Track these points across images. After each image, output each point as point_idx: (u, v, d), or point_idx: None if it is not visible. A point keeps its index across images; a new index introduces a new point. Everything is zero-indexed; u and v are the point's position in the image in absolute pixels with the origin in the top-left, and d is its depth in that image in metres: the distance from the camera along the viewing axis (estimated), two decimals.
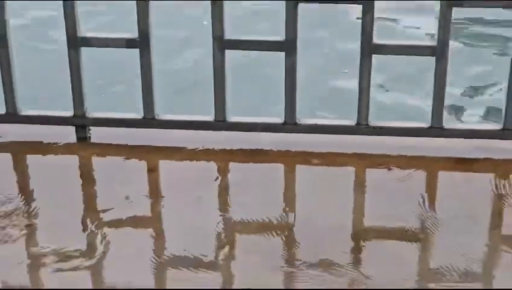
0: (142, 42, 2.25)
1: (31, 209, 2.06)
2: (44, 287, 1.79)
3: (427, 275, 1.73)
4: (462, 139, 2.27)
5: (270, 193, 2.13)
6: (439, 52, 2.14)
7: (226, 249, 1.86)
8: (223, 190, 2.17)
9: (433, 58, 2.17)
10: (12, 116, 2.38)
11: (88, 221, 2.00)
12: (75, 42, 2.26)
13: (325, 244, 1.86)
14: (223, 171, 2.26)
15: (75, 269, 1.81)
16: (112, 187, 2.19)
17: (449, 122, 2.40)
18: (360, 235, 1.90)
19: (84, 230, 1.96)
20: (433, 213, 1.97)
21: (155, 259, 1.83)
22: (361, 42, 2.18)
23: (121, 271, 1.81)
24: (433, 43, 2.18)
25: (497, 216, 2.03)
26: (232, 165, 2.29)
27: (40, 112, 2.44)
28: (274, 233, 1.93)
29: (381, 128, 2.26)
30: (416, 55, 2.31)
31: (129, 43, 2.30)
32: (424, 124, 2.27)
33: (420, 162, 2.23)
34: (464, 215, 1.95)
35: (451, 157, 2.26)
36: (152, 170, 2.28)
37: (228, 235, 1.93)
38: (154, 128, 2.36)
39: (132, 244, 1.91)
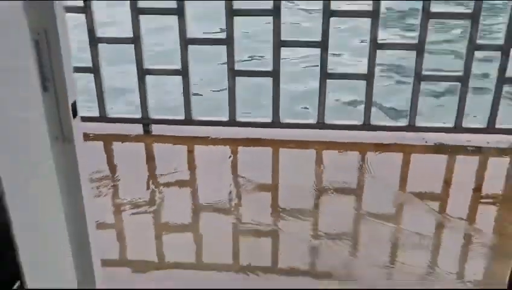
0: (184, 72, 3.36)
1: (114, 176, 3.06)
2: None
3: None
4: None
5: (264, 167, 3.15)
6: None
7: (236, 197, 2.83)
8: (234, 164, 3.22)
9: None
10: (103, 118, 3.42)
11: (150, 183, 3.00)
12: (142, 71, 3.34)
13: (295, 196, 2.85)
14: (234, 152, 3.28)
15: (143, 212, 2.77)
16: (165, 162, 3.17)
17: None
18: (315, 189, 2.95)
19: (147, 189, 2.94)
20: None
21: (194, 206, 2.81)
22: None
23: (172, 214, 2.73)
24: None
25: None
26: (239, 148, 3.33)
27: (120, 115, 3.49)
28: (265, 188, 2.96)
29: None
30: None
31: (175, 72, 3.34)
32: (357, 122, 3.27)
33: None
34: None
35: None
36: (190, 151, 3.33)
37: (237, 189, 2.92)
38: (192, 125, 3.41)
39: (178, 197, 2.89)
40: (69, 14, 1.32)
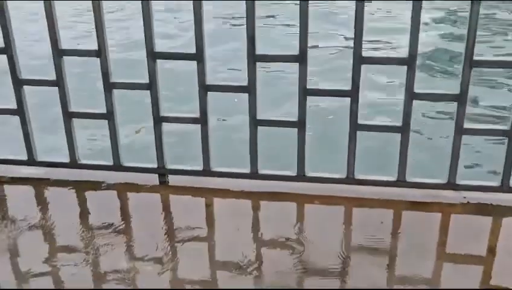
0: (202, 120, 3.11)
1: (127, 229, 2.90)
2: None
3: None
4: None
5: (287, 224, 2.90)
6: None
7: (255, 258, 2.61)
8: (256, 219, 3.01)
9: None
10: (117, 167, 3.24)
11: (165, 239, 2.79)
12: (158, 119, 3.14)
13: (321, 257, 2.62)
14: (255, 207, 3.07)
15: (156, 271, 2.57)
16: (181, 216, 2.99)
17: None
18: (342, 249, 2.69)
19: (158, 247, 2.70)
20: None
21: (208, 270, 2.59)
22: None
23: (187, 273, 2.56)
24: None
25: None
26: (262, 203, 3.10)
27: (135, 164, 3.27)
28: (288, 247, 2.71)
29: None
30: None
31: (193, 121, 3.11)
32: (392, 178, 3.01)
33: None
34: None
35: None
36: (208, 205, 3.09)
37: (257, 248, 2.71)
38: (211, 176, 3.19)
39: (189, 254, 2.67)
40: None
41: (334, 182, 3.10)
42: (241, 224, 2.92)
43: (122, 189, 3.26)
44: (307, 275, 2.52)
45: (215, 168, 3.19)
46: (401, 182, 2.99)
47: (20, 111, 3.23)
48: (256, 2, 2.79)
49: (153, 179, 3.28)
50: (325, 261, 2.59)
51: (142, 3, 2.90)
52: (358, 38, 2.76)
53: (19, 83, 3.16)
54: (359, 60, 2.81)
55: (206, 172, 3.19)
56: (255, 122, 3.03)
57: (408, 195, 3.03)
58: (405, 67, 2.79)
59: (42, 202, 3.21)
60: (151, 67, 3.01)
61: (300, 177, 3.10)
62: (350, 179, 3.04)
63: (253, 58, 2.90)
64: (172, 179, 3.29)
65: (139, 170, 3.29)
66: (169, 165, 3.24)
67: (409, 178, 3.00)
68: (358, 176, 3.04)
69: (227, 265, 2.60)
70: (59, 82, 3.13)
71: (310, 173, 3.10)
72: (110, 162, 3.28)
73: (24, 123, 3.25)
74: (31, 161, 3.35)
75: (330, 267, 2.56)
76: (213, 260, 2.69)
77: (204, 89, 3.00)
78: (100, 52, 3.02)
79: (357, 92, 2.85)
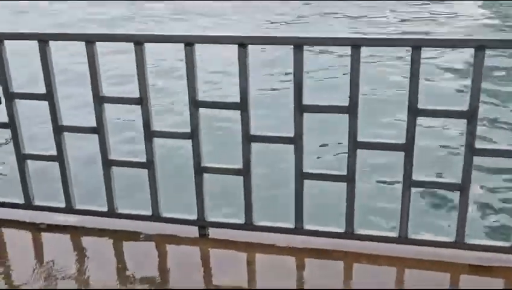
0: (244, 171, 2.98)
1: (164, 285, 2.76)
2: None
3: None
4: None
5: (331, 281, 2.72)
6: None
7: None
8: (300, 279, 2.81)
9: None
10: (157, 217, 3.11)
11: None
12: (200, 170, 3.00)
13: None
14: (300, 265, 2.88)
15: None
16: (221, 272, 2.84)
17: None
18: None
19: None
20: None
21: None
22: None
23: None
24: None
25: None
26: (306, 260, 2.91)
27: (175, 215, 3.13)
28: None
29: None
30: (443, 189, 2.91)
31: (236, 172, 2.97)
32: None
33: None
34: None
35: None
36: (250, 263, 2.92)
37: None
38: (252, 230, 3.02)
39: None
40: None
41: (385, 241, 2.89)
42: (284, 284, 2.72)
43: (161, 241, 3.13)
44: None
45: (258, 222, 3.03)
46: (459, 244, 2.75)
47: (59, 158, 3.15)
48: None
49: (193, 231, 3.13)
50: None
51: (185, 49, 2.80)
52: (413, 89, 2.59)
53: (59, 130, 3.09)
54: (414, 112, 2.63)
55: (248, 226, 3.02)
56: (301, 175, 2.86)
57: (468, 257, 2.79)
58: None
59: (79, 252, 3.10)
60: (194, 116, 2.89)
61: (349, 234, 2.89)
62: (403, 239, 2.82)
63: (300, 108, 2.75)
64: (213, 232, 3.13)
65: (179, 222, 3.15)
66: (210, 218, 3.09)
67: (469, 240, 2.76)
68: (412, 235, 2.81)
69: None
70: (99, 129, 3.04)
71: (359, 231, 2.89)
72: (149, 212, 3.15)
73: (63, 170, 3.17)
74: (69, 209, 3.26)
75: None
76: None
77: (248, 139, 2.86)
78: (142, 100, 2.92)
79: (410, 145, 2.66)
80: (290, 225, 2.98)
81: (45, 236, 3.24)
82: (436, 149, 6.41)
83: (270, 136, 2.91)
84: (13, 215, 3.36)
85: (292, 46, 2.69)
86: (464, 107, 2.58)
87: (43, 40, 2.92)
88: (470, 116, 2.57)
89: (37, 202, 3.32)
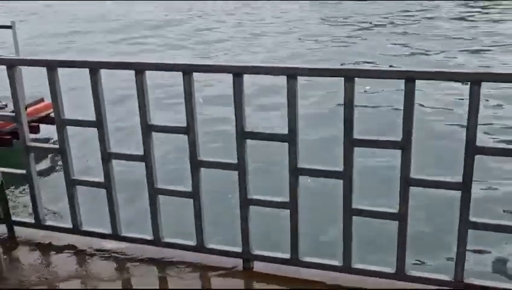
0: (292, 205, 2.88)
1: None
2: None
3: None
4: None
5: None
6: None
7: None
8: None
9: None
10: (201, 248, 3.06)
11: None
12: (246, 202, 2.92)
13: None
14: None
15: None
16: None
17: None
18: None
19: None
20: None
21: None
22: None
23: None
24: None
25: None
26: None
27: (220, 247, 3.05)
28: None
29: None
30: None
31: (282, 205, 2.89)
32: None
33: None
34: None
35: None
36: None
37: None
38: (297, 266, 2.90)
39: None
40: None
41: (439, 284, 2.71)
42: None
43: (205, 271, 3.07)
44: None
45: (304, 257, 2.92)
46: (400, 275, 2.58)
47: (107, 184, 3.16)
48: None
49: (237, 263, 3.05)
50: None
51: (234, 81, 2.76)
52: None
53: (108, 157, 3.10)
54: (473, 151, 2.48)
55: (294, 261, 2.92)
56: (350, 212, 2.74)
57: None
58: None
59: (124, 280, 3.08)
60: (240, 147, 2.84)
61: (400, 275, 2.74)
62: (458, 283, 2.65)
63: (351, 142, 2.65)
64: (258, 266, 3.04)
65: (223, 253, 3.08)
66: (255, 251, 3.00)
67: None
68: (469, 280, 2.64)
69: None
70: (147, 158, 3.03)
71: (410, 272, 2.74)
72: (194, 242, 3.10)
73: (110, 197, 3.17)
74: (115, 236, 3.25)
75: None
76: None
77: (296, 172, 2.77)
78: (189, 130, 2.89)
79: (469, 185, 2.50)
80: (337, 262, 2.85)
81: (92, 261, 3.24)
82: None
83: (318, 170, 2.81)
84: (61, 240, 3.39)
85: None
86: None
87: (93, 68, 2.95)
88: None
89: (84, 227, 3.33)
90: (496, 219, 2.65)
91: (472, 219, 2.57)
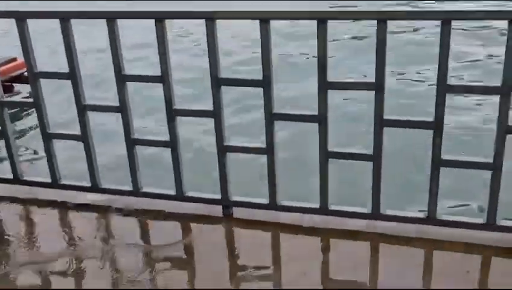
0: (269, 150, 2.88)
1: (189, 264, 2.77)
2: None
3: None
4: None
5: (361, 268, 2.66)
6: None
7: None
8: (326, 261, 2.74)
9: None
10: (180, 197, 3.09)
11: (228, 278, 2.63)
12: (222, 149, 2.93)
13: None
14: (325, 248, 2.81)
15: None
16: (244, 253, 2.79)
17: None
18: None
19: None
20: None
21: None
22: None
23: None
24: None
25: None
26: (332, 241, 2.83)
27: (199, 194, 3.10)
28: None
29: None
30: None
31: (260, 151, 2.91)
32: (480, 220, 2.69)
33: None
34: None
35: None
36: (274, 242, 2.90)
37: None
38: (276, 210, 2.96)
39: None
40: None
41: (412, 222, 2.80)
42: (308, 267, 2.66)
43: (185, 220, 3.11)
44: None
45: (283, 201, 2.97)
46: (490, 225, 2.65)
47: (84, 137, 3.15)
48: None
49: (217, 211, 3.10)
50: None
51: (206, 26, 2.73)
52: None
53: (83, 109, 3.08)
54: (444, 89, 2.51)
55: (273, 205, 2.97)
56: (326, 154, 2.78)
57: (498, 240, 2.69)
58: None
59: (104, 231, 3.10)
60: (216, 93, 2.84)
61: (375, 214, 2.81)
62: (431, 220, 2.73)
63: (325, 84, 2.67)
64: (237, 212, 3.08)
65: (203, 201, 3.12)
66: (234, 197, 3.05)
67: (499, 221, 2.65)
68: (441, 217, 2.72)
69: None
70: (122, 108, 3.02)
71: (386, 211, 2.81)
72: (173, 192, 3.13)
73: (88, 149, 3.17)
74: (95, 188, 3.27)
75: None
76: None
77: (271, 117, 2.79)
78: (163, 79, 2.88)
79: (440, 124, 2.55)
80: (315, 204, 2.91)
81: (72, 215, 3.26)
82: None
83: (293, 115, 2.84)
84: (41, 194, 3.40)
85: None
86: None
87: (65, 18, 2.90)
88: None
89: (63, 181, 3.34)
90: None
91: (444, 156, 2.63)
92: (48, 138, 3.22)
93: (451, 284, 2.45)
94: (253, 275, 2.63)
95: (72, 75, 3.01)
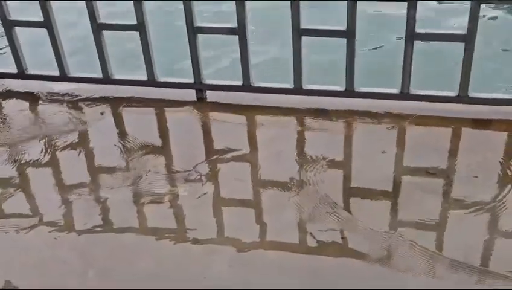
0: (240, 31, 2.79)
1: (164, 146, 2.74)
2: None
3: None
4: None
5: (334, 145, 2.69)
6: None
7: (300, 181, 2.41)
8: (301, 140, 2.75)
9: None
10: (152, 82, 3.03)
11: (203, 158, 2.62)
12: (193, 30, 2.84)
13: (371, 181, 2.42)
14: (300, 125, 2.82)
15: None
16: (219, 135, 2.80)
17: None
18: None
19: (197, 169, 2.54)
20: None
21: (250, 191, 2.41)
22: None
23: (223, 194, 2.39)
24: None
25: None
26: (306, 120, 2.84)
27: (171, 79, 3.05)
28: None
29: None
30: (449, 41, 2.64)
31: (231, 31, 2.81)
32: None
33: None
34: None
35: None
36: (249, 123, 2.88)
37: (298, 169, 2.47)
38: (250, 92, 2.94)
39: (233, 174, 2.51)
40: None
41: (387, 98, 2.81)
42: (283, 146, 2.68)
43: (158, 106, 3.07)
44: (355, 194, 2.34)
45: (256, 83, 2.93)
46: (462, 98, 2.67)
47: (47, 23, 3.01)
48: None
49: (190, 95, 3.06)
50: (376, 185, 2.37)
51: None
52: None
53: None
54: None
55: (246, 87, 2.94)
56: (299, 32, 2.72)
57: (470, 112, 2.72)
58: None
59: (76, 120, 3.05)
60: None
61: (349, 92, 2.81)
62: (405, 95, 2.74)
63: None
64: (211, 96, 3.06)
65: (175, 86, 3.07)
66: (207, 80, 3.00)
67: (472, 93, 2.67)
68: (414, 91, 2.73)
69: (268, 185, 2.41)
70: None
71: (360, 88, 2.81)
72: (145, 77, 3.06)
73: (52, 36, 3.04)
74: (64, 77, 3.18)
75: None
76: (255, 180, 2.47)
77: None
78: None
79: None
80: (289, 85, 2.89)
81: (43, 106, 3.19)
82: None
83: None
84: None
85: None
86: None
87: None
88: None
89: (30, 71, 3.24)
90: None
91: (418, 30, 2.59)
92: (10, 25, 3.08)
93: (422, 152, 2.50)
94: (229, 156, 2.63)
95: None
